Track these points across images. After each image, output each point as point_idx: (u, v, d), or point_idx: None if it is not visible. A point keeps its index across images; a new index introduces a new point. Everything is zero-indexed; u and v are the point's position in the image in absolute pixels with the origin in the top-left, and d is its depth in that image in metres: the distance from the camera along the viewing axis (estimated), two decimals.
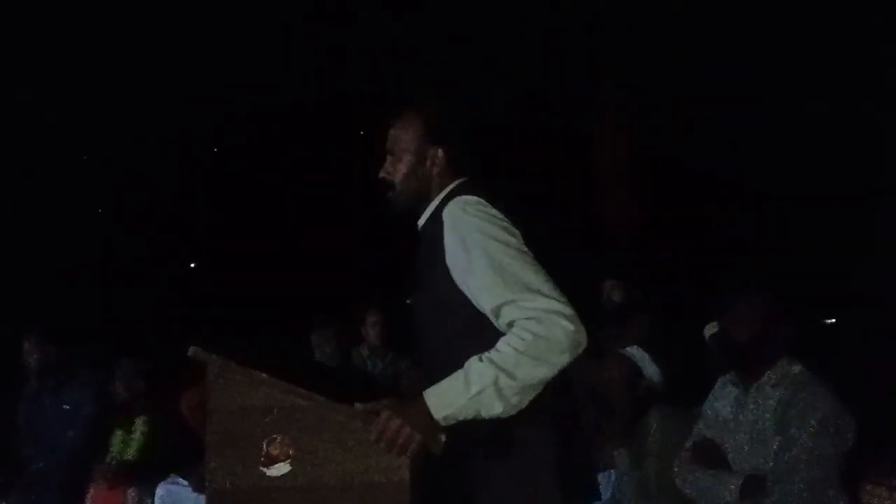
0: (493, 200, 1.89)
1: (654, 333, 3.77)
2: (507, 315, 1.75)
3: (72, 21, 7.29)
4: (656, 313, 4.04)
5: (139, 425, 4.36)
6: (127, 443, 4.37)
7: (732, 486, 2.56)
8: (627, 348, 3.25)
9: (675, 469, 2.78)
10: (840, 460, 2.51)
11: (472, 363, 1.73)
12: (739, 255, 7.95)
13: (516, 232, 1.84)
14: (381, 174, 2.03)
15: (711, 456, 2.68)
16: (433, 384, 1.76)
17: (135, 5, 7.33)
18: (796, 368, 2.63)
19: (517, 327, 1.72)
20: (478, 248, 1.79)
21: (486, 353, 1.73)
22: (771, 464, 2.53)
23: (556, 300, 1.73)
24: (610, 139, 7.07)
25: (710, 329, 3.34)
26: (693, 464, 2.72)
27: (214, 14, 7.45)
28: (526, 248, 1.82)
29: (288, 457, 1.77)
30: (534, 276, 1.76)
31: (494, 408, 1.71)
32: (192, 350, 1.80)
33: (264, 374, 1.80)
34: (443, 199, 1.96)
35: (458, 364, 1.75)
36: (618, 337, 3.63)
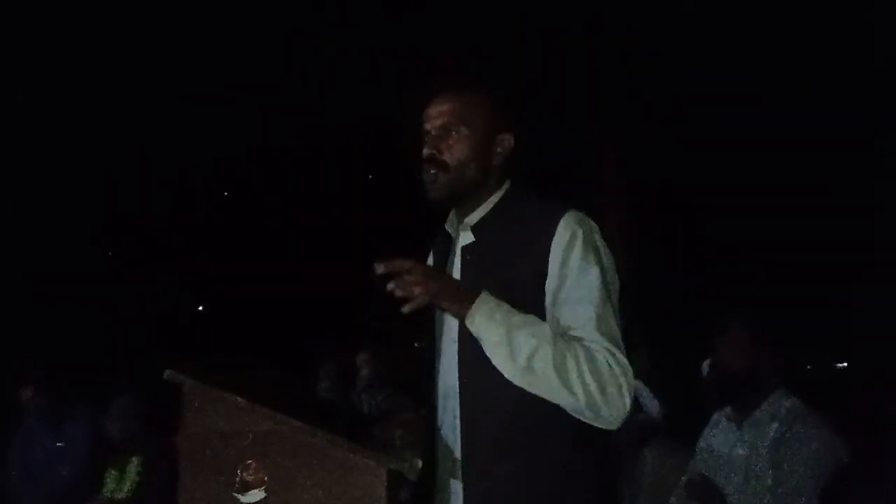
0: None
1: (654, 368, 3.73)
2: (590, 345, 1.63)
3: (74, 72, 7.39)
4: (655, 348, 3.99)
5: (133, 464, 4.30)
6: (121, 482, 4.31)
7: None
8: None
9: None
10: (831, 486, 2.45)
11: (543, 324, 1.62)
12: (744, 292, 7.91)
13: (618, 280, 1.74)
14: (429, 151, 1.74)
15: (706, 492, 2.63)
16: (480, 407, 1.67)
17: (146, 50, 7.43)
18: (790, 402, 2.58)
19: (605, 356, 1.60)
20: (593, 277, 1.66)
21: (559, 338, 1.61)
22: (767, 499, 2.47)
23: (629, 372, 1.62)
24: (606, 174, 7.09)
25: (707, 364, 3.29)
26: (688, 500, 2.66)
27: (225, 58, 7.54)
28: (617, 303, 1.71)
29: (262, 483, 1.73)
30: (621, 339, 1.66)
31: (510, 362, 1.60)
32: (167, 372, 1.77)
33: (239, 398, 1.77)
34: (500, 203, 1.77)
35: (515, 387, 1.62)
36: None
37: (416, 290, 1.59)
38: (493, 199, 1.78)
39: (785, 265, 8.53)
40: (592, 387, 1.58)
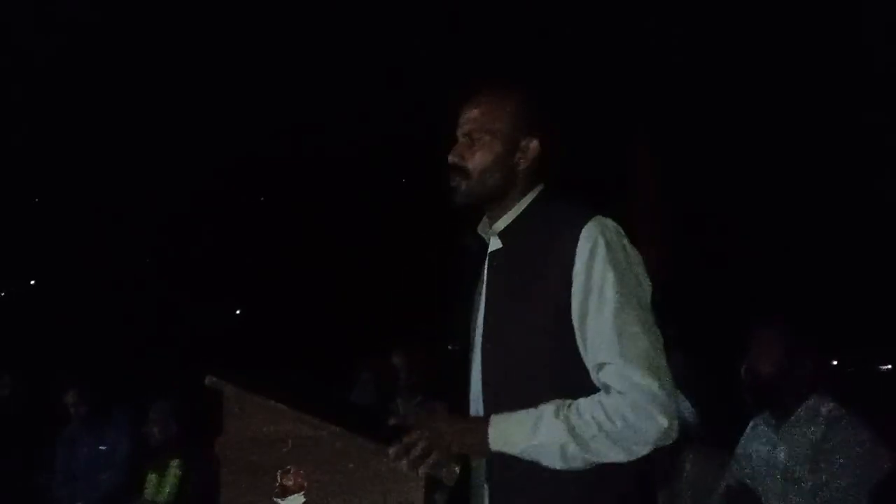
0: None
1: (690, 373, 3.70)
2: (607, 377, 1.61)
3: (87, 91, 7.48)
4: (691, 352, 3.95)
5: (173, 468, 4.36)
6: (161, 485, 4.38)
7: None
8: None
9: None
10: (874, 493, 2.41)
11: (548, 413, 1.61)
12: (780, 295, 7.82)
13: (649, 284, 1.70)
14: (452, 158, 1.76)
15: (745, 498, 2.61)
16: (502, 410, 1.66)
17: (161, 74, 7.50)
18: (828, 406, 2.55)
19: (611, 402, 1.58)
20: (612, 292, 1.63)
21: (567, 410, 1.60)
22: None
23: (660, 383, 1.58)
24: (643, 178, 7.06)
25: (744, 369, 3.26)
26: None
27: (262, 63, 7.60)
28: (651, 307, 1.68)
29: (302, 489, 1.75)
30: (650, 346, 1.61)
31: (553, 463, 1.62)
32: (208, 379, 1.80)
33: (280, 404, 1.79)
34: (529, 209, 1.76)
35: (534, 394, 1.64)
36: None
37: (431, 459, 1.63)
38: (522, 205, 1.78)
39: (826, 268, 8.42)
40: (637, 442, 1.58)
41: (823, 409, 2.55)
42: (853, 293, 8.31)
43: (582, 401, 1.62)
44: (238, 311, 12.71)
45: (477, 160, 1.74)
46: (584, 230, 1.66)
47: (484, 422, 1.66)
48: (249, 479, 1.76)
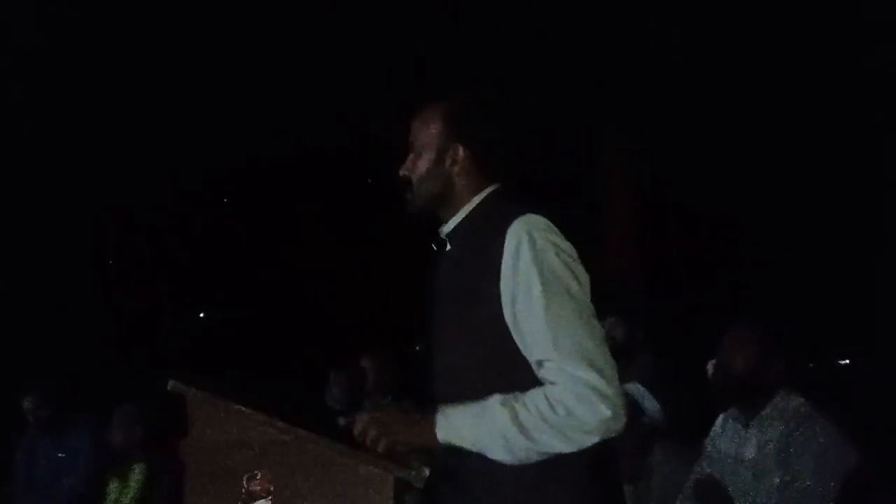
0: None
1: (659, 371, 3.72)
2: (548, 372, 1.63)
3: (70, 72, 7.36)
4: (659, 351, 3.98)
5: (135, 472, 4.28)
6: (123, 490, 4.30)
7: None
8: (626, 385, 3.19)
9: None
10: (842, 490, 2.44)
11: (494, 405, 1.64)
12: (746, 294, 7.92)
13: (584, 276, 1.70)
14: (401, 171, 1.87)
15: (714, 493, 2.62)
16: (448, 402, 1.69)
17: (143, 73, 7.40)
18: (796, 402, 2.58)
19: (554, 393, 1.61)
20: (540, 289, 1.64)
21: (512, 401, 1.63)
22: (774, 500, 2.46)
23: (599, 373, 1.59)
24: (615, 179, 7.09)
25: (712, 365, 3.29)
26: (695, 501, 2.66)
27: (225, 61, 7.51)
28: (588, 300, 1.69)
29: (269, 493, 1.72)
30: (589, 340, 1.62)
31: (498, 455, 1.64)
32: (171, 383, 1.77)
33: (245, 408, 1.76)
34: (476, 209, 1.81)
35: (479, 388, 1.66)
36: (620, 375, 3.57)
37: (380, 447, 1.67)
38: (469, 208, 1.83)
39: (787, 264, 8.56)
40: (581, 430, 1.60)
41: (791, 406, 2.57)
42: (812, 289, 8.44)
43: (529, 392, 1.64)
44: (202, 315, 12.57)
45: (417, 171, 1.84)
46: (509, 229, 1.69)
47: (434, 413, 1.69)
48: (215, 485, 1.73)
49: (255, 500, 1.72)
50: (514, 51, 6.59)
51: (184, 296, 10.40)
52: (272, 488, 1.72)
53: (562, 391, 1.60)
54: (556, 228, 1.71)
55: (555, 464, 1.64)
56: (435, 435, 1.67)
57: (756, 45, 6.50)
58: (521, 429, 1.60)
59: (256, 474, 1.72)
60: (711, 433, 2.80)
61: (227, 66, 7.39)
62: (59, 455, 4.44)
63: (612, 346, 4.35)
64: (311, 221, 10.14)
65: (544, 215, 1.74)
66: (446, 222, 1.86)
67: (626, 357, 3.95)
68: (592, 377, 1.59)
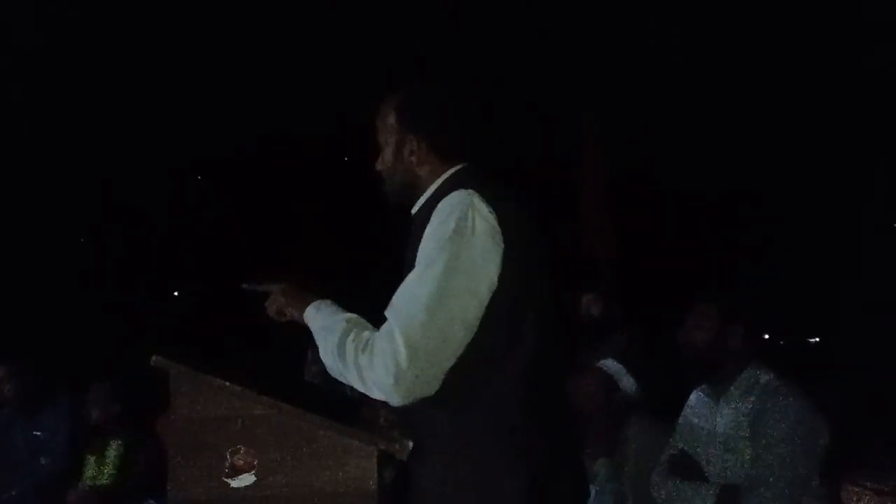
0: (495, 190, 1.75)
1: (634, 347, 3.76)
2: (386, 319, 1.68)
3: (58, 66, 7.27)
4: (635, 327, 4.02)
5: (112, 448, 4.28)
6: (100, 467, 4.29)
7: (708, 497, 2.54)
8: (602, 361, 3.23)
9: (652, 480, 2.77)
10: (814, 464, 2.50)
11: (346, 317, 1.75)
12: (720, 270, 8.02)
13: (492, 255, 1.68)
14: (376, 167, 1.96)
15: (687, 467, 2.67)
16: None
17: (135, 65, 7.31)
18: (767, 376, 2.63)
19: (373, 340, 1.66)
20: (427, 252, 1.69)
21: (356, 325, 1.73)
22: (746, 472, 2.52)
23: (411, 352, 1.60)
24: (590, 155, 7.10)
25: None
26: (669, 475, 2.71)
27: (220, 68, 7.47)
28: (480, 280, 1.66)
29: (252, 467, 1.75)
30: (425, 314, 1.63)
31: (323, 355, 1.75)
32: (154, 359, 1.78)
33: (228, 383, 1.78)
34: (438, 189, 1.84)
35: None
36: (597, 351, 3.61)
37: (271, 310, 1.91)
38: (433, 189, 1.87)
39: (762, 246, 8.68)
40: (360, 372, 1.66)
41: (762, 380, 2.62)
42: (785, 270, 8.58)
43: (376, 328, 1.71)
44: (176, 293, 12.49)
45: (384, 163, 1.93)
46: (440, 203, 1.74)
47: (318, 297, 1.87)
48: (199, 459, 1.74)
49: (239, 474, 1.74)
50: (514, 51, 6.58)
51: (160, 273, 10.33)
52: (255, 462, 1.74)
53: (377, 342, 1.66)
54: (485, 205, 1.71)
55: (503, 450, 1.67)
56: (304, 312, 1.84)
57: (756, 45, 6.53)
58: (341, 348, 1.70)
59: (240, 448, 1.74)
60: (685, 408, 2.85)
61: (227, 70, 7.37)
62: (36, 433, 4.41)
63: (589, 322, 4.42)
64: (288, 198, 10.10)
65: (503, 192, 1.78)
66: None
67: (602, 333, 3.98)
68: (401, 348, 1.61)
